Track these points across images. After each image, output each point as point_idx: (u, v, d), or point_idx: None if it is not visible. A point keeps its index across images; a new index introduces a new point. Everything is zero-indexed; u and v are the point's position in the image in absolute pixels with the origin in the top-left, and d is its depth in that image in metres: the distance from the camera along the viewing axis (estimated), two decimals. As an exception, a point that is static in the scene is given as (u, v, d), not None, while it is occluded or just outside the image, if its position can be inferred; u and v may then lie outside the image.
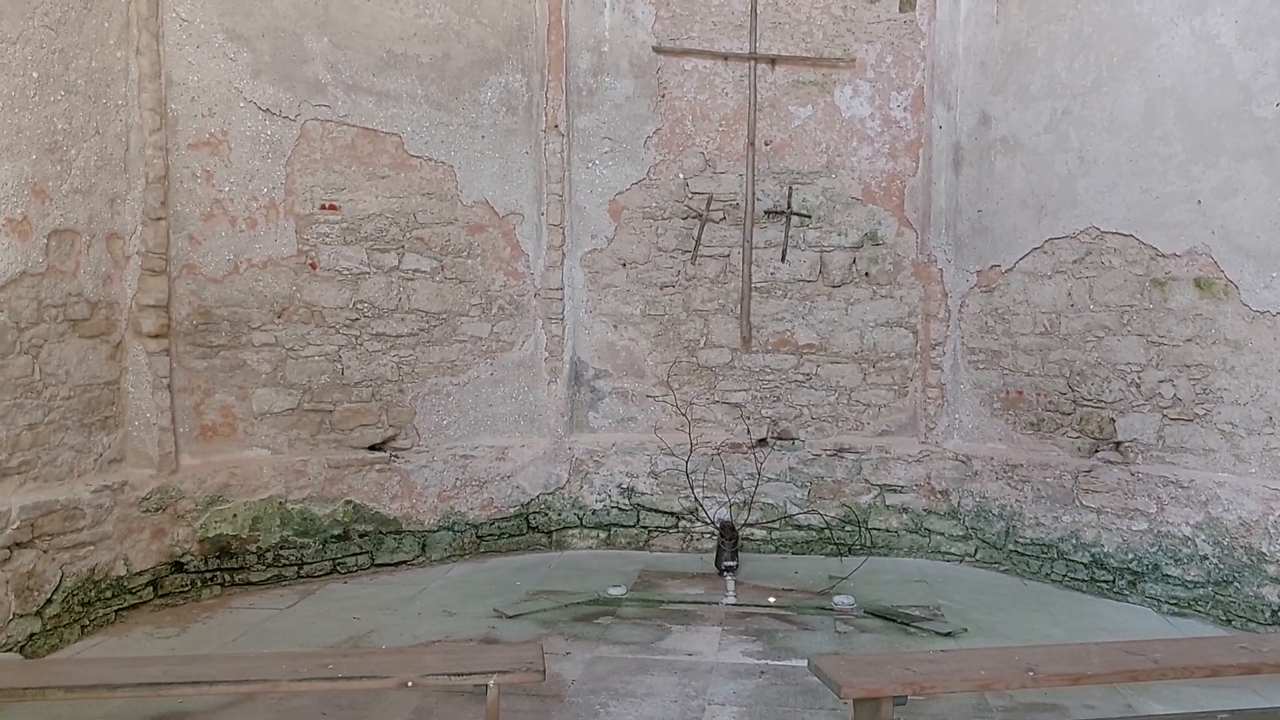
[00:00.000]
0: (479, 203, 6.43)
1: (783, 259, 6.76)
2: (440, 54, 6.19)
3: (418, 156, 6.14)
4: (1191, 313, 5.31)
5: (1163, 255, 5.43)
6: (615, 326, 6.84)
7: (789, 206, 6.71)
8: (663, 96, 6.75)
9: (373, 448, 6.10)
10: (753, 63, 6.66)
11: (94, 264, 4.81)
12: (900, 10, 6.64)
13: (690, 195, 6.79)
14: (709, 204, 6.74)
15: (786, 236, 6.73)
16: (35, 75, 4.35)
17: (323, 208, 5.83)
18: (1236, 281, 5.11)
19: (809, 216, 6.75)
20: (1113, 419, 5.69)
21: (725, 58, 6.72)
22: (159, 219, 5.12)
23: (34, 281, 4.43)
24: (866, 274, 6.79)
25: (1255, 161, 5.01)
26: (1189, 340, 5.32)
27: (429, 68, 6.15)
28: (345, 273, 5.93)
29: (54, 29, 4.44)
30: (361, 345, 6.02)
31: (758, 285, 6.78)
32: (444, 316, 6.33)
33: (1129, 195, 5.56)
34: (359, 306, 5.99)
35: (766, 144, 6.75)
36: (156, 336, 5.15)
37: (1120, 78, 5.57)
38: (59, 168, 4.53)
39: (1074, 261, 5.88)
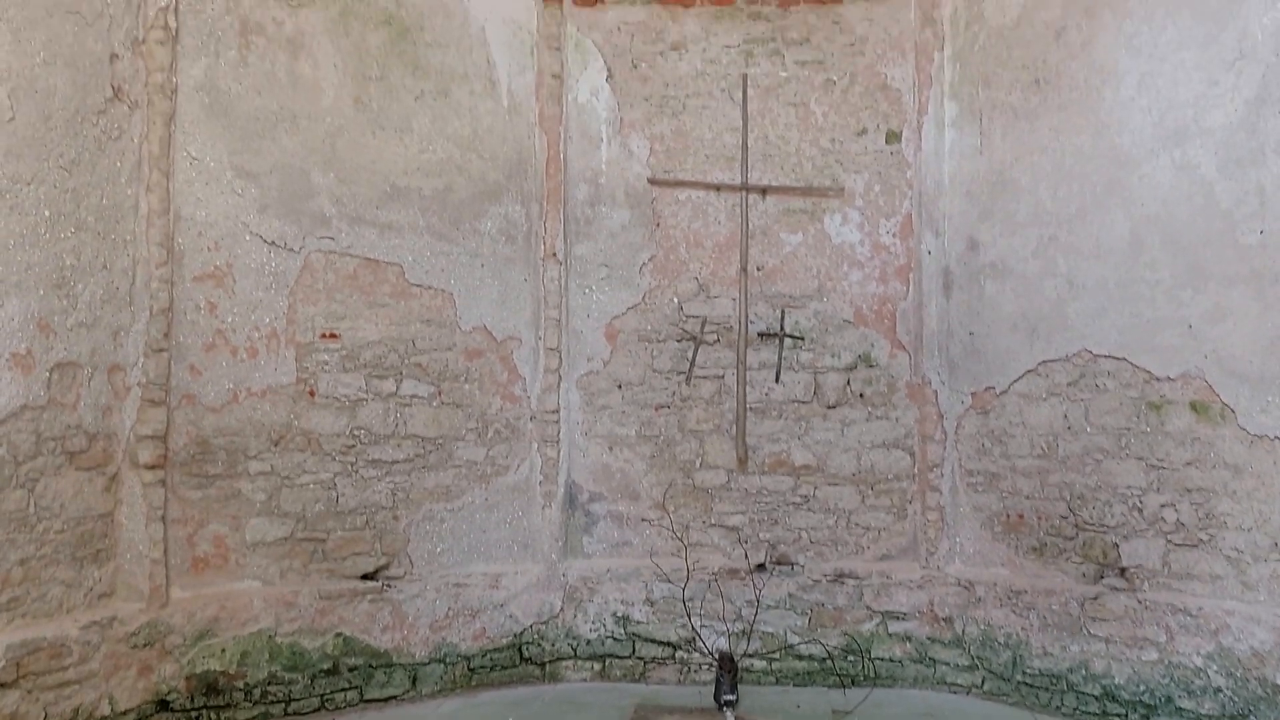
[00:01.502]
0: (477, 328, 6.49)
1: (777, 380, 6.81)
2: (442, 187, 6.34)
3: (418, 285, 6.23)
4: (1189, 436, 5.34)
5: (1157, 379, 5.49)
6: (611, 448, 6.83)
7: (782, 329, 6.80)
8: (658, 225, 6.89)
9: (365, 576, 6.01)
10: (744, 193, 6.84)
11: (94, 396, 4.81)
12: (886, 142, 6.86)
13: (685, 319, 6.87)
14: (703, 327, 6.82)
15: (780, 358, 6.80)
16: (47, 214, 4.44)
17: (323, 336, 5.88)
18: (1233, 405, 5.15)
19: (802, 339, 6.83)
20: (1116, 544, 5.66)
21: (718, 188, 6.89)
22: (161, 350, 5.15)
23: (34, 415, 4.42)
24: (861, 395, 6.83)
25: (1243, 287, 5.11)
26: (1188, 464, 5.33)
27: (431, 200, 6.29)
28: (343, 399, 5.94)
29: (68, 169, 4.55)
30: (357, 472, 5.99)
31: (753, 406, 6.81)
32: (440, 441, 6.32)
33: (1120, 319, 5.65)
34: (356, 433, 5.98)
35: (759, 269, 6.87)
36: (153, 467, 5.12)
37: (1104, 206, 5.73)
38: (65, 302, 4.57)
39: (1068, 384, 5.93)
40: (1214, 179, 5.20)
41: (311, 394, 5.83)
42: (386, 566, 6.10)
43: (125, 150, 4.96)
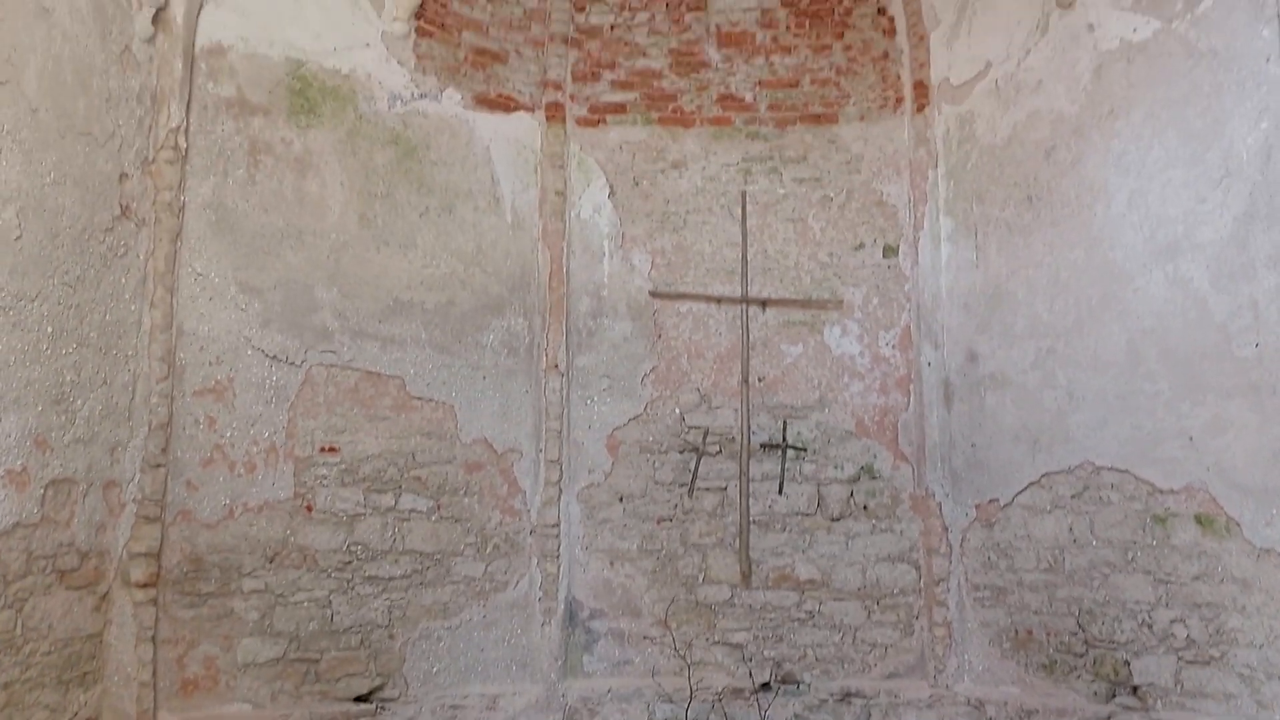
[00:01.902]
0: (478, 441, 6.48)
1: (780, 492, 6.75)
2: (445, 301, 6.42)
3: (419, 398, 6.25)
4: (1196, 550, 5.26)
5: (1161, 491, 5.43)
6: (612, 563, 6.73)
7: (784, 440, 6.78)
8: (659, 337, 6.94)
9: (359, 699, 5.85)
10: (744, 305, 6.90)
11: (89, 513, 4.78)
12: (884, 256, 6.95)
13: (687, 430, 6.86)
14: (705, 438, 6.80)
15: (783, 470, 6.75)
16: (50, 330, 4.48)
17: (322, 450, 5.86)
18: (1238, 519, 5.08)
19: (804, 450, 6.80)
20: (1127, 661, 5.52)
21: (718, 301, 6.97)
22: (159, 466, 5.14)
23: (26, 533, 4.38)
24: (865, 507, 6.76)
25: (1241, 400, 5.09)
26: (1196, 578, 5.24)
27: (434, 314, 6.36)
28: (341, 515, 5.90)
29: (73, 286, 4.61)
30: (353, 589, 5.90)
31: (756, 518, 6.73)
32: (438, 557, 6.24)
33: (1121, 431, 5.62)
34: (353, 549, 5.92)
35: (760, 380, 6.89)
36: (145, 586, 5.05)
37: (1100, 319, 5.76)
38: (64, 418, 4.58)
39: (1072, 497, 5.87)
40: (1207, 293, 5.24)
41: (309, 509, 5.78)
42: (381, 688, 5.95)
43: (130, 267, 5.05)
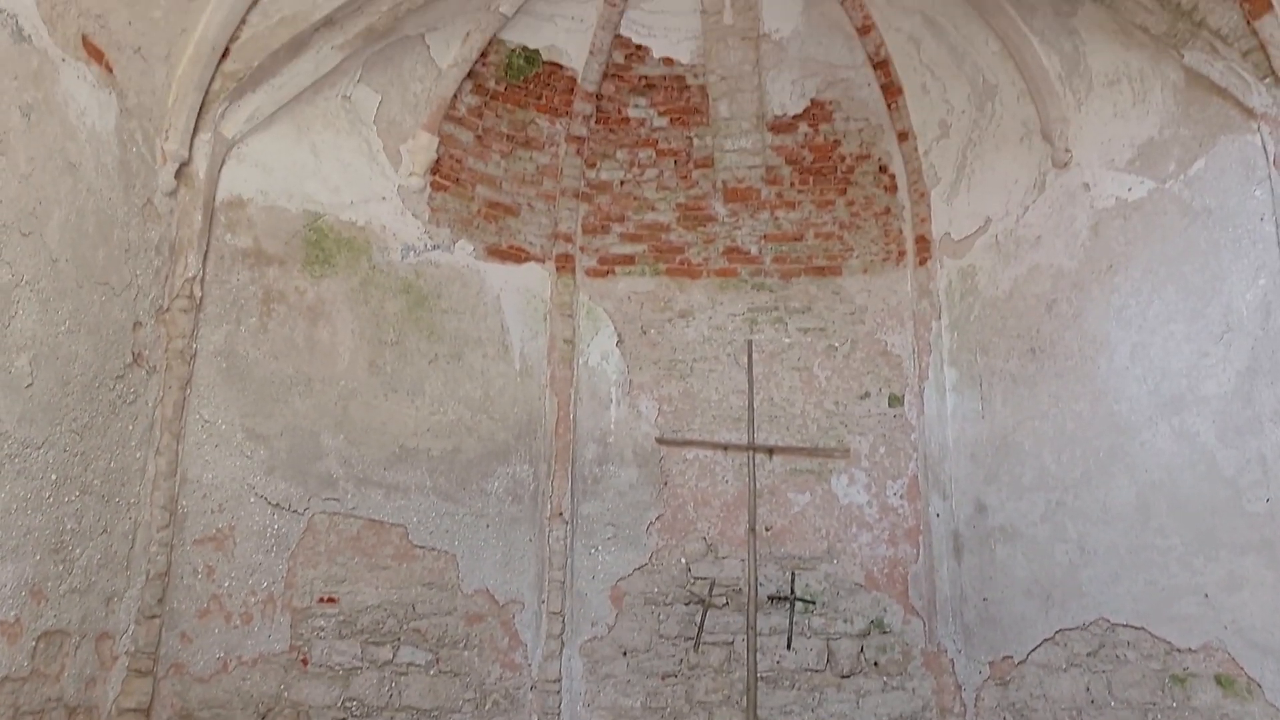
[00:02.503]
0: (479, 591, 6.36)
1: (788, 646, 6.57)
2: (451, 448, 6.42)
3: (421, 547, 6.17)
4: (1218, 712, 5.06)
5: (1178, 650, 5.27)
6: (615, 721, 6.52)
7: (792, 592, 6.64)
8: (665, 484, 6.90)
9: None
10: (751, 453, 6.89)
11: (80, 666, 4.67)
12: (889, 405, 6.97)
13: (693, 580, 6.74)
14: (711, 589, 6.68)
15: (791, 623, 6.59)
16: (54, 478, 4.48)
17: (321, 600, 5.76)
18: (1259, 680, 4.91)
19: (813, 602, 6.66)
20: (1154, 834, 5.24)
21: (725, 448, 6.95)
22: (154, 617, 5.04)
23: (14, 687, 4.27)
24: (875, 664, 6.57)
25: (1255, 556, 5.00)
26: (1221, 744, 5.03)
27: (439, 460, 6.35)
28: (337, 668, 5.74)
29: (80, 434, 4.64)
30: (347, 746, 5.70)
31: (763, 675, 6.53)
32: (435, 714, 6.04)
33: (1134, 587, 5.50)
34: (348, 705, 5.74)
35: (767, 529, 6.80)
36: (132, 742, 4.90)
37: (1109, 471, 5.72)
38: (61, 568, 4.53)
39: (1088, 655, 5.70)
40: (1214, 447, 5.21)
41: (304, 662, 5.64)
42: None
43: (139, 414, 5.08)
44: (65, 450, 4.55)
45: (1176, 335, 5.46)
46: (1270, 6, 4.78)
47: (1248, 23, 4.89)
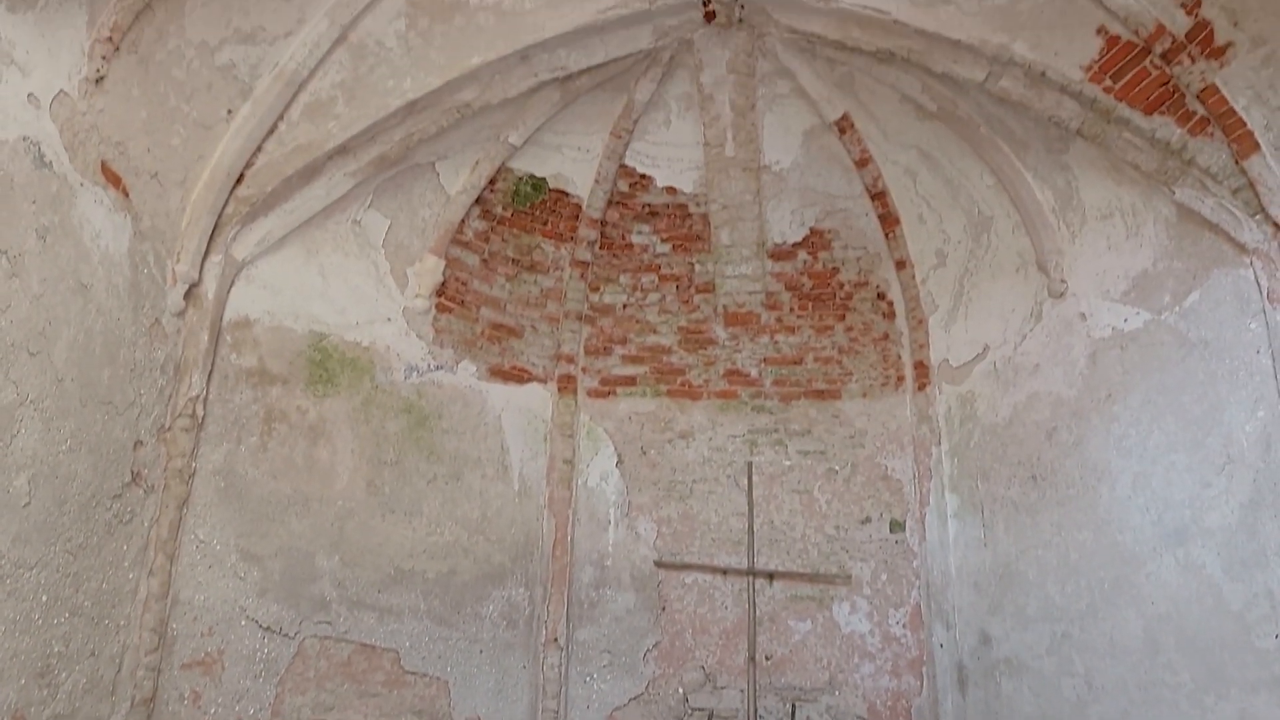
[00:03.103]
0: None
1: (790, 785, 6.37)
2: (447, 570, 6.34)
3: (413, 673, 6.04)
4: None
5: (1194, 794, 5.09)
6: None
7: (794, 726, 6.47)
8: (663, 609, 6.79)
9: None
10: (751, 577, 6.80)
11: (56, 796, 4.52)
12: (891, 531, 6.90)
13: (690, 712, 6.56)
14: (710, 722, 6.50)
15: (793, 758, 6.41)
16: (45, 599, 4.41)
17: (308, 728, 5.61)
18: (1278, 827, 4.74)
19: (815, 737, 6.48)
20: None
21: (724, 572, 6.86)
22: (136, 745, 4.91)
23: (-13, 819, 4.13)
24: (881, 802, 6.35)
25: (1267, 694, 4.87)
26: None
27: (434, 583, 6.26)
28: (322, 800, 5.56)
29: (74, 554, 4.59)
30: None
31: (764, 814, 6.31)
32: None
33: (1146, 725, 5.35)
34: (332, 839, 5.53)
35: (767, 659, 6.66)
36: None
37: (1114, 603, 5.62)
38: (45, 693, 4.42)
39: (1101, 797, 5.50)
40: (1221, 580, 5.13)
41: (288, 794, 5.46)
42: None
43: (134, 534, 5.04)
44: (58, 571, 4.50)
45: (1178, 465, 5.44)
46: (1258, 147, 4.93)
47: (1236, 162, 5.03)
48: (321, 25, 5.33)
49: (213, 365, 5.62)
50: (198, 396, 5.47)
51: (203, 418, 5.52)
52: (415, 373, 6.59)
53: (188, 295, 5.45)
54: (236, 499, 5.60)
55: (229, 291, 5.77)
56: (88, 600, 4.70)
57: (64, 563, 4.53)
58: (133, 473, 5.03)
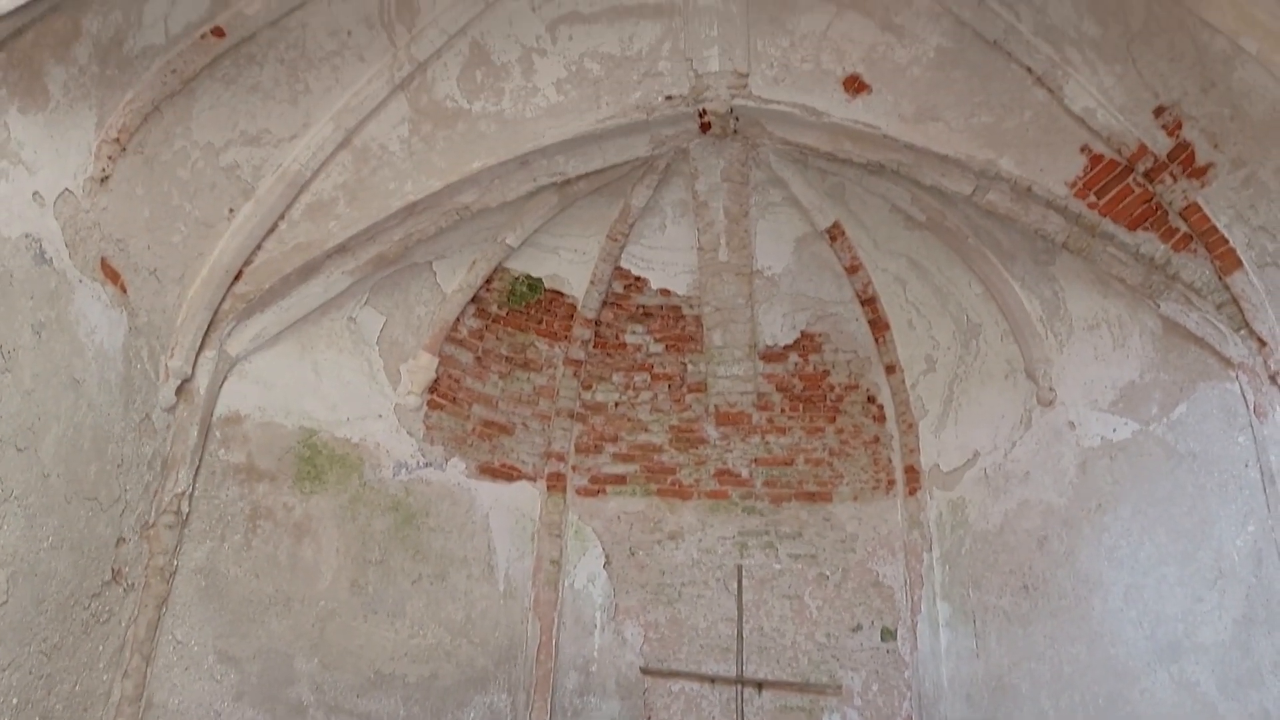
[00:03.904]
0: (450, 832, 6.00)
1: None
2: (428, 674, 6.21)
3: (390, 782, 5.87)
4: None
5: None
6: None
7: (782, 844, 6.27)
8: (649, 719, 6.63)
9: None
10: (740, 687, 6.67)
11: None
12: (882, 639, 6.80)
13: (676, 827, 6.37)
14: (696, 837, 6.30)
15: None
16: (15, 702, 4.30)
17: (280, 840, 5.42)
18: None
19: None
20: None
21: (712, 680, 6.73)
22: None
23: None
24: None
25: (1267, 818, 4.76)
26: None
27: (415, 687, 6.12)
28: None
29: (48, 655, 4.48)
30: None
31: None
32: None
33: None
34: None
35: (756, 771, 6.49)
36: None
37: (1110, 720, 5.53)
38: (9, 801, 4.28)
39: None
40: (1216, 698, 5.05)
41: None
42: None
43: (110, 634, 4.93)
44: (31, 673, 4.39)
45: (1169, 579, 5.41)
46: (1240, 264, 5.02)
47: (1219, 278, 5.12)
48: (327, 129, 5.45)
49: (200, 461, 5.58)
50: (184, 493, 5.42)
51: (187, 514, 5.46)
52: (404, 470, 6.55)
53: (180, 390, 5.44)
54: (217, 598, 5.50)
55: (221, 387, 5.76)
56: (59, 704, 4.58)
57: (37, 664, 4.43)
58: (113, 570, 4.95)
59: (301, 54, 5.15)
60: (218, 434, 5.74)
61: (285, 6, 4.86)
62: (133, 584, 5.10)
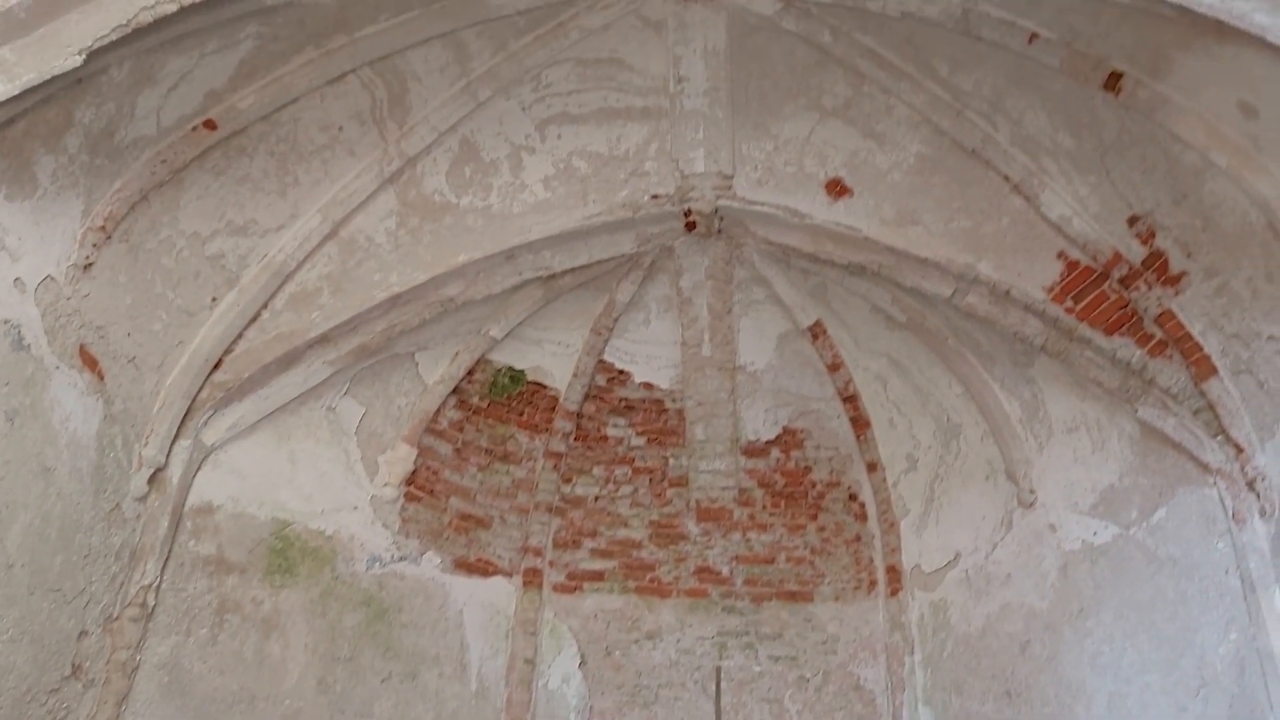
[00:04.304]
0: None
1: None
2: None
3: None
4: None
5: None
6: None
7: None
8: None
9: None
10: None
11: None
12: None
13: None
14: None
15: None
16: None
17: None
18: None
19: None
20: None
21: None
22: None
23: None
24: None
25: None
26: None
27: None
28: None
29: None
30: None
31: None
32: None
33: None
34: None
35: None
36: None
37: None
38: None
39: None
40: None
41: None
42: None
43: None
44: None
45: (1153, 687, 5.33)
46: (1215, 370, 5.09)
47: (1195, 384, 5.18)
48: (314, 221, 5.49)
49: (170, 552, 5.45)
50: (151, 584, 5.28)
51: (153, 607, 5.30)
52: (378, 563, 6.43)
53: (152, 480, 5.34)
54: (180, 695, 5.32)
55: (195, 476, 5.66)
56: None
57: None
58: (74, 665, 4.79)
59: (292, 147, 5.22)
60: (189, 524, 5.63)
61: (278, 101, 4.94)
62: (93, 679, 4.92)
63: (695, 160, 5.89)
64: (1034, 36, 4.64)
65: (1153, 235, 5.06)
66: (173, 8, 3.82)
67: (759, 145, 5.84)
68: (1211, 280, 4.92)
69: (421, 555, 6.66)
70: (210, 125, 4.78)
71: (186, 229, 5.07)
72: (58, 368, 4.56)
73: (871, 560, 7.25)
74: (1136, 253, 5.15)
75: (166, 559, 5.42)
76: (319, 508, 6.24)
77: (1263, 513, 4.92)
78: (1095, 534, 5.86)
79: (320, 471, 6.30)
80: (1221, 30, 3.84)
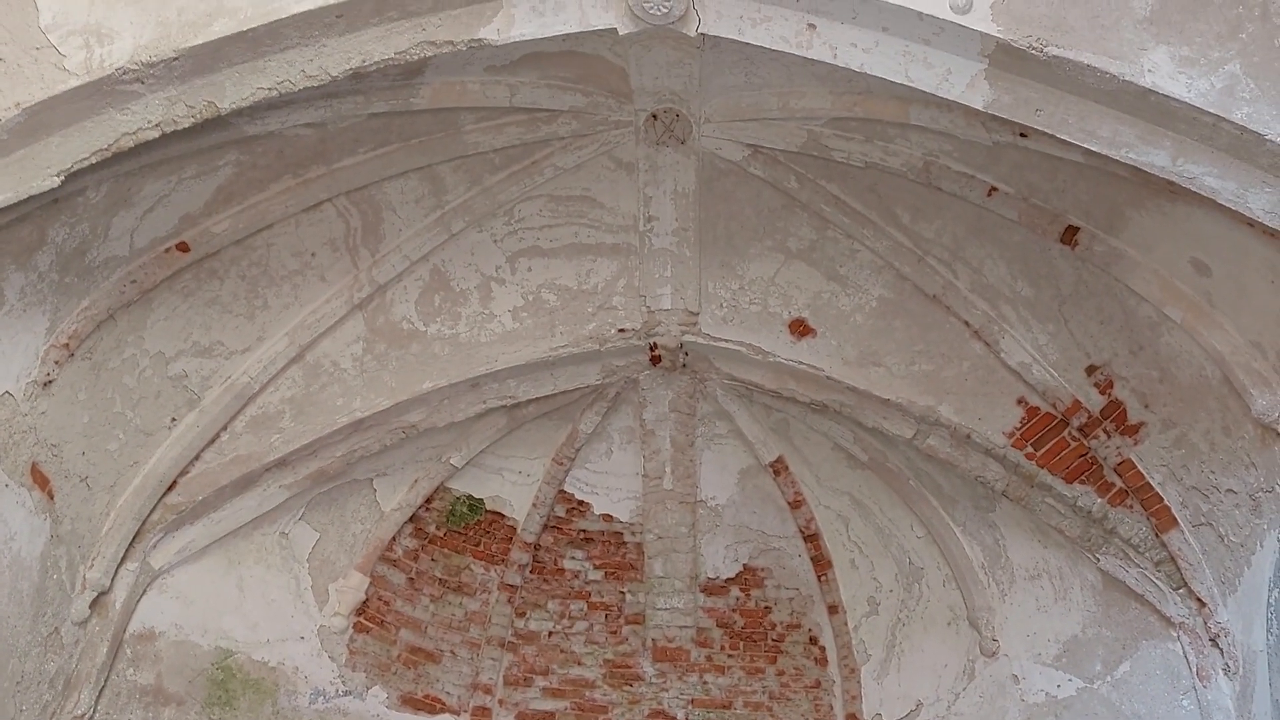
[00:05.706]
0: None
1: None
2: None
3: None
4: None
5: None
6: None
7: None
8: None
9: None
10: None
11: None
12: None
13: None
14: None
15: None
16: None
17: None
18: None
19: None
20: None
21: None
22: None
23: None
24: None
25: None
26: None
27: None
28: None
29: None
30: None
31: None
32: None
33: None
34: None
35: None
36: None
37: None
38: None
39: None
40: None
41: None
42: None
43: None
44: None
45: None
46: (1175, 522, 5.13)
47: (1156, 535, 5.21)
48: (280, 344, 5.47)
49: (106, 681, 5.22)
50: (83, 716, 5.04)
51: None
52: (321, 698, 6.17)
53: (94, 604, 5.16)
54: None
55: (139, 601, 5.47)
56: None
57: None
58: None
59: (264, 271, 5.24)
60: (128, 652, 5.40)
61: (253, 226, 4.98)
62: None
63: (662, 296, 5.97)
64: (993, 190, 4.82)
65: (1111, 385, 5.17)
66: (154, 134, 3.84)
67: (725, 284, 5.95)
68: (1169, 431, 5.01)
69: (367, 690, 6.41)
70: (183, 248, 4.80)
71: (151, 348, 5.03)
72: (7, 485, 4.44)
73: (831, 708, 7.07)
74: (1095, 401, 5.25)
75: (102, 688, 5.19)
76: (264, 637, 6.02)
77: (1227, 670, 4.90)
78: (1059, 686, 5.79)
79: (269, 599, 6.10)
80: (1174, 190, 4.00)
